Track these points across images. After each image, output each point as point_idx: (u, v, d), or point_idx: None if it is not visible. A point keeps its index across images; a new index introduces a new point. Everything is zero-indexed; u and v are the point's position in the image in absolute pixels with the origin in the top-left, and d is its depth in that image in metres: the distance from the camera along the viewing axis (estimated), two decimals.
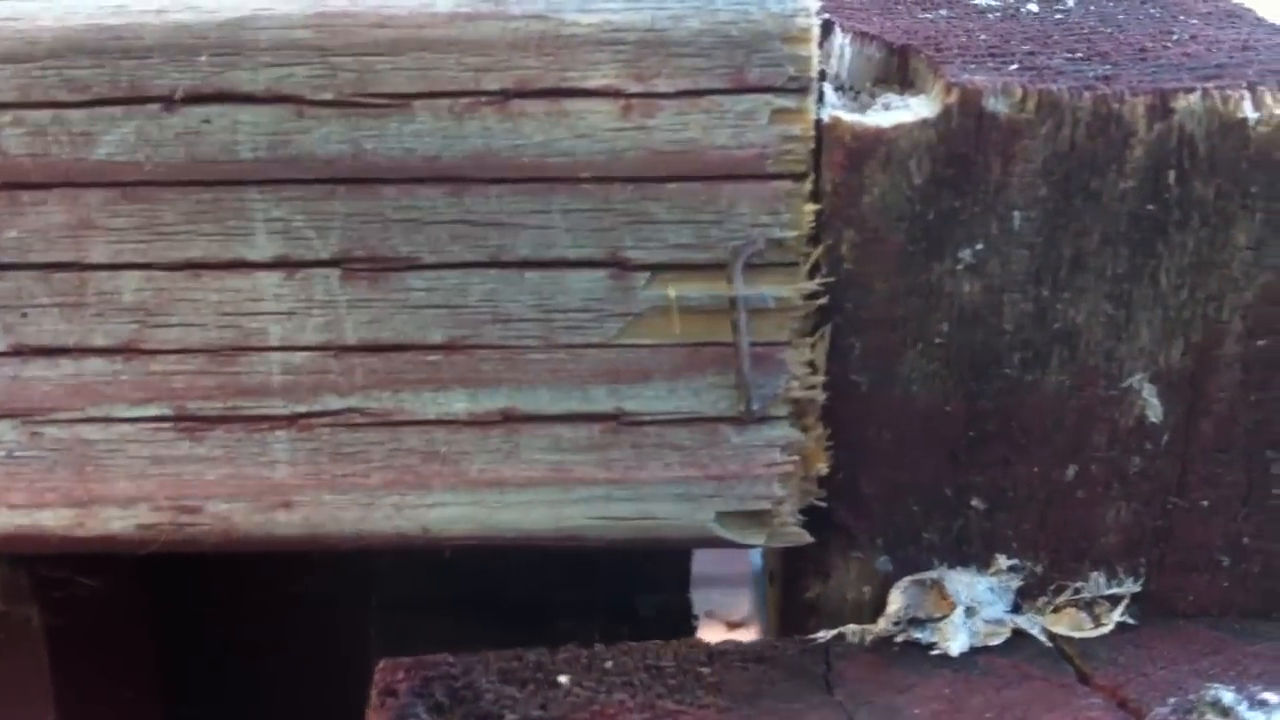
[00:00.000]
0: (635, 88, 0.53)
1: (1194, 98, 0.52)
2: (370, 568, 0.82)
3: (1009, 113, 0.52)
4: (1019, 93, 0.52)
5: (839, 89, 0.58)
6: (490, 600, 0.86)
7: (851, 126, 0.53)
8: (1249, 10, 0.66)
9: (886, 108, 0.55)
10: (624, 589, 0.88)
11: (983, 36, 0.60)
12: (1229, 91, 0.52)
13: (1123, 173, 0.53)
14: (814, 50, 0.53)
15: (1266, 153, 0.52)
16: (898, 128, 0.53)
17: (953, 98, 0.52)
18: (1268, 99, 0.52)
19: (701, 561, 0.89)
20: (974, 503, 0.57)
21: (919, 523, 0.58)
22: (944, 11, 0.65)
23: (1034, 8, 0.65)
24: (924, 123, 0.53)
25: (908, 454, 0.57)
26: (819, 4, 0.62)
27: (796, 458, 0.56)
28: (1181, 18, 0.63)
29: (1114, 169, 0.53)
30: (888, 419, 0.56)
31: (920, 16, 0.64)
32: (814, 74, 0.53)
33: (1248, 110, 0.52)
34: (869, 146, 0.53)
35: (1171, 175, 0.53)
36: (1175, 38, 0.59)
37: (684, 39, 0.52)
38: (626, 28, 0.52)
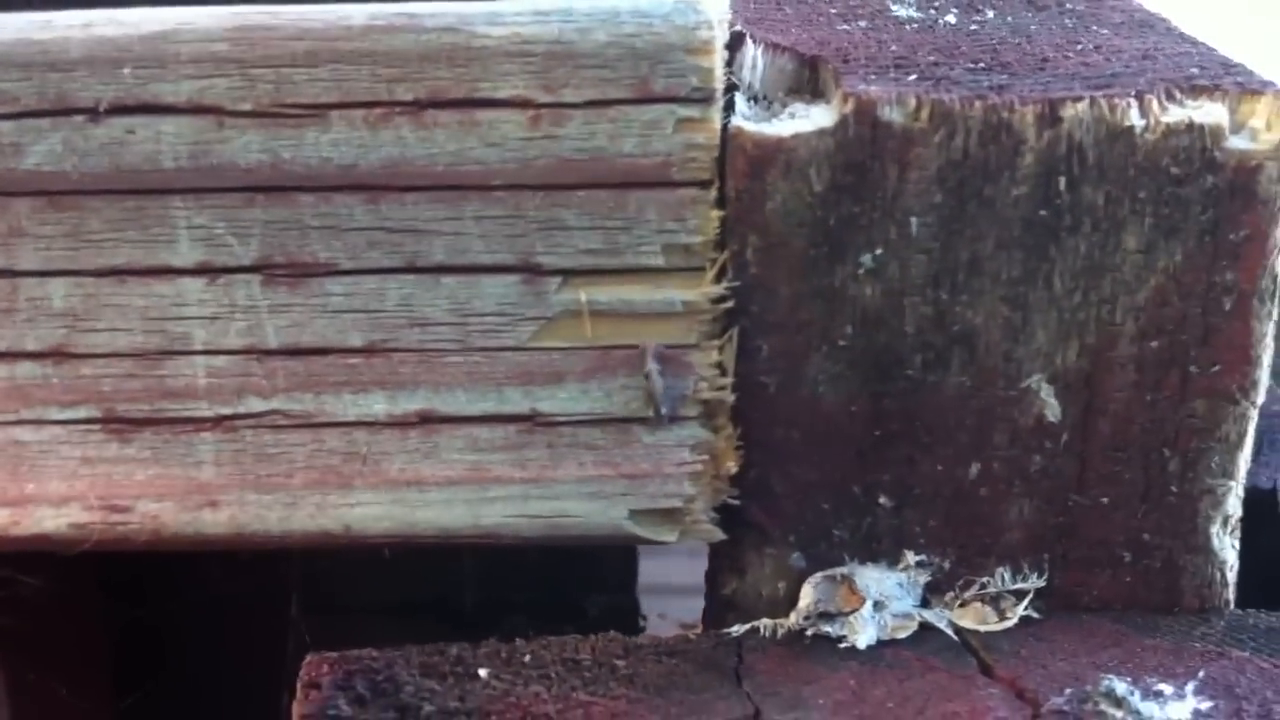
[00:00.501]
0: (544, 98, 0.54)
1: (1082, 106, 0.54)
2: (320, 571, 0.84)
3: (903, 122, 0.54)
4: (913, 102, 0.54)
5: (752, 99, 0.60)
6: (438, 603, 0.87)
7: (753, 135, 0.55)
8: (1162, 20, 0.68)
9: (793, 117, 0.57)
10: (571, 590, 0.90)
11: (893, 48, 0.61)
12: (1116, 100, 0.54)
13: (1015, 179, 0.54)
14: (717, 61, 0.55)
15: (1154, 159, 0.54)
16: (796, 136, 0.55)
17: (849, 107, 0.54)
18: (1154, 107, 0.54)
19: (665, 571, 0.91)
20: (882, 500, 0.59)
21: (829, 520, 0.60)
22: (863, 23, 0.67)
23: (952, 19, 0.67)
24: (822, 132, 0.54)
25: (816, 453, 0.59)
26: (733, 16, 0.64)
27: (706, 457, 0.57)
28: (1094, 28, 0.65)
29: (1006, 176, 0.54)
30: (796, 419, 0.58)
31: (839, 28, 0.65)
32: (718, 84, 0.55)
33: (1134, 118, 0.54)
34: (770, 155, 0.55)
35: (1062, 181, 0.54)
36: (1080, 48, 0.61)
37: (590, 51, 0.54)
38: (535, 40, 0.54)
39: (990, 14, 0.68)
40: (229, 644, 0.82)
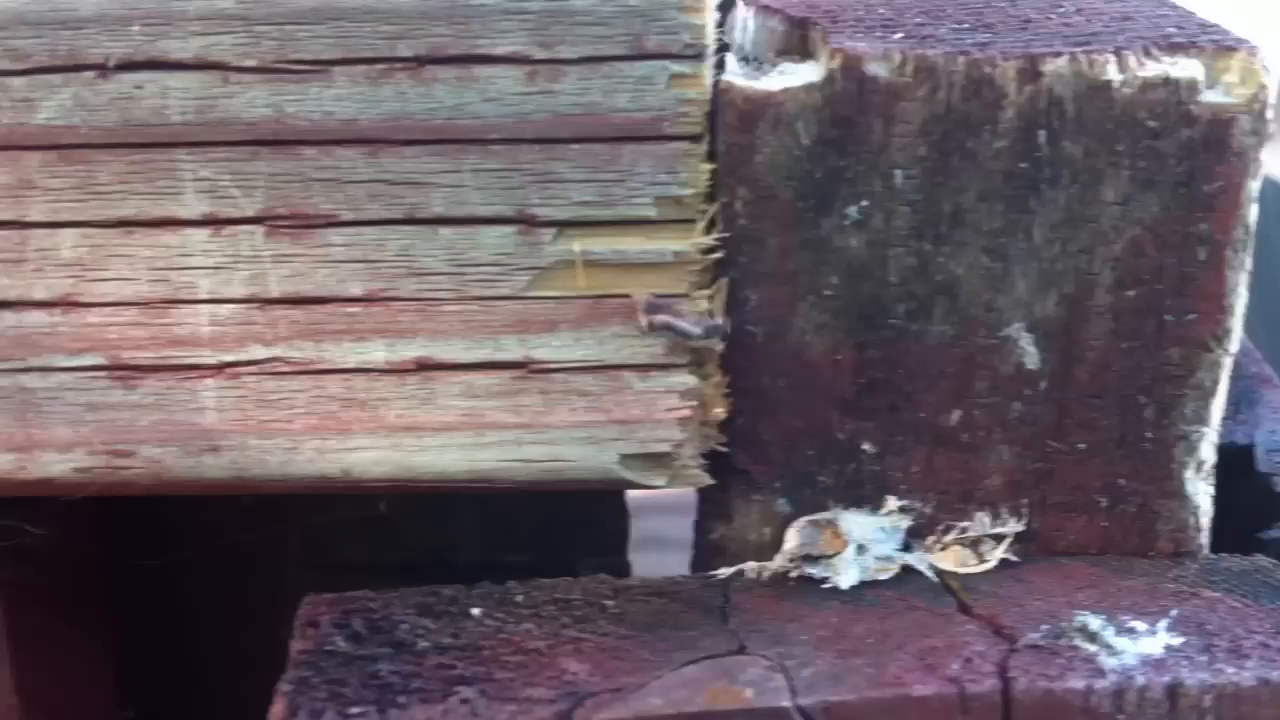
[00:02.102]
0: (540, 54, 0.56)
1: (1061, 61, 0.56)
2: (320, 531, 0.85)
3: (888, 77, 0.56)
4: (898, 58, 0.56)
5: (743, 59, 0.61)
6: (434, 564, 0.89)
7: (743, 90, 0.57)
8: None
9: (782, 74, 0.58)
10: (566, 553, 0.92)
11: (881, 11, 0.63)
12: (1095, 55, 0.56)
13: (996, 133, 0.56)
14: (709, 19, 0.56)
15: (1131, 113, 0.56)
16: (785, 91, 0.56)
17: (836, 62, 0.56)
18: (1132, 62, 0.56)
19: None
20: (865, 447, 0.61)
21: (814, 467, 0.61)
22: None
23: None
24: (809, 86, 0.56)
25: (802, 401, 0.60)
26: None
27: (695, 403, 0.59)
28: None
29: (988, 129, 0.56)
30: (783, 368, 0.60)
31: None
32: (709, 41, 0.57)
33: (1112, 73, 0.56)
34: (759, 109, 0.56)
35: (1042, 135, 0.56)
36: (1062, 10, 0.63)
37: (585, 9, 0.56)
38: None
39: None
40: (229, 594, 0.84)
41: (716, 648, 0.56)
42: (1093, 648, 0.55)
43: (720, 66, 0.60)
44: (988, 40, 0.57)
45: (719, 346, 0.59)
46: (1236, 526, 0.70)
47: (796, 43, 0.61)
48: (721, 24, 0.63)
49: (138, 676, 0.86)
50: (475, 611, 0.59)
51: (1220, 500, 0.68)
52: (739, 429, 0.61)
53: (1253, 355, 0.86)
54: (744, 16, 0.62)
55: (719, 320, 0.57)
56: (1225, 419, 0.79)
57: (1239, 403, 0.82)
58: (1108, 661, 0.55)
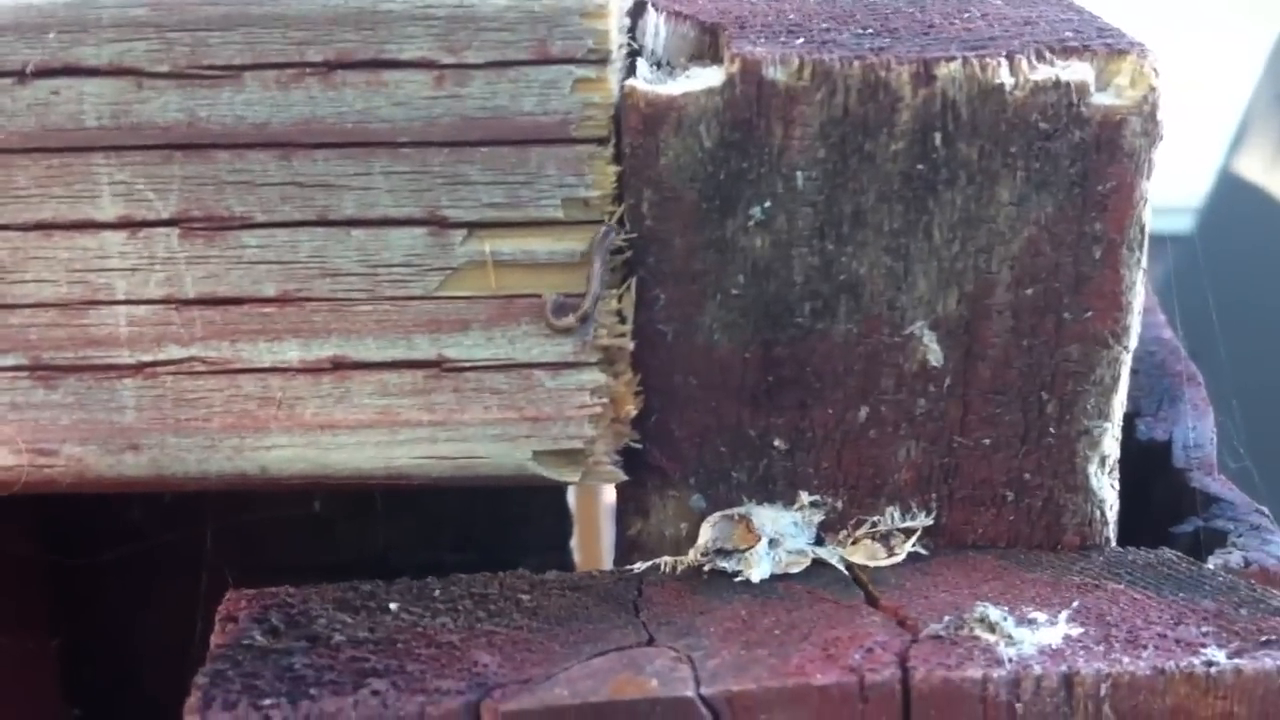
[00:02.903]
0: (448, 59, 0.57)
1: (955, 65, 0.57)
2: (245, 529, 0.86)
3: (786, 80, 0.57)
4: (796, 62, 0.57)
5: (655, 64, 0.63)
6: (371, 565, 0.90)
7: (645, 94, 0.58)
8: None
9: (688, 78, 0.60)
10: (507, 552, 0.93)
11: (791, 16, 0.64)
12: (988, 59, 0.57)
13: (893, 135, 0.58)
14: (612, 25, 0.58)
15: (1023, 115, 0.57)
16: (686, 95, 0.58)
17: (735, 67, 0.57)
18: (1023, 65, 0.57)
19: None
20: (776, 444, 0.62)
21: (727, 463, 0.63)
22: None
23: None
24: (710, 90, 0.57)
25: (713, 398, 0.62)
26: None
27: (606, 400, 0.60)
28: None
29: (885, 132, 0.57)
30: (693, 366, 0.61)
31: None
32: (613, 46, 0.58)
33: (1004, 76, 0.57)
34: (661, 113, 0.58)
35: (938, 137, 0.57)
36: (967, 16, 0.64)
37: (491, 14, 0.57)
38: (438, 4, 0.57)
39: None
40: (165, 594, 0.85)
41: (626, 640, 0.57)
42: (992, 638, 0.57)
43: (632, 71, 0.61)
44: (886, 45, 0.59)
45: (629, 345, 0.60)
46: (1155, 520, 0.71)
47: (708, 48, 0.63)
48: (633, 30, 0.64)
49: (81, 676, 0.87)
50: (393, 606, 0.60)
51: (1139, 495, 0.70)
52: (652, 426, 0.62)
53: (1177, 353, 0.88)
54: (655, 22, 0.63)
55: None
56: (1147, 416, 0.81)
57: (1161, 400, 0.83)
58: (1005, 651, 0.56)
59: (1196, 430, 0.78)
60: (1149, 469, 0.76)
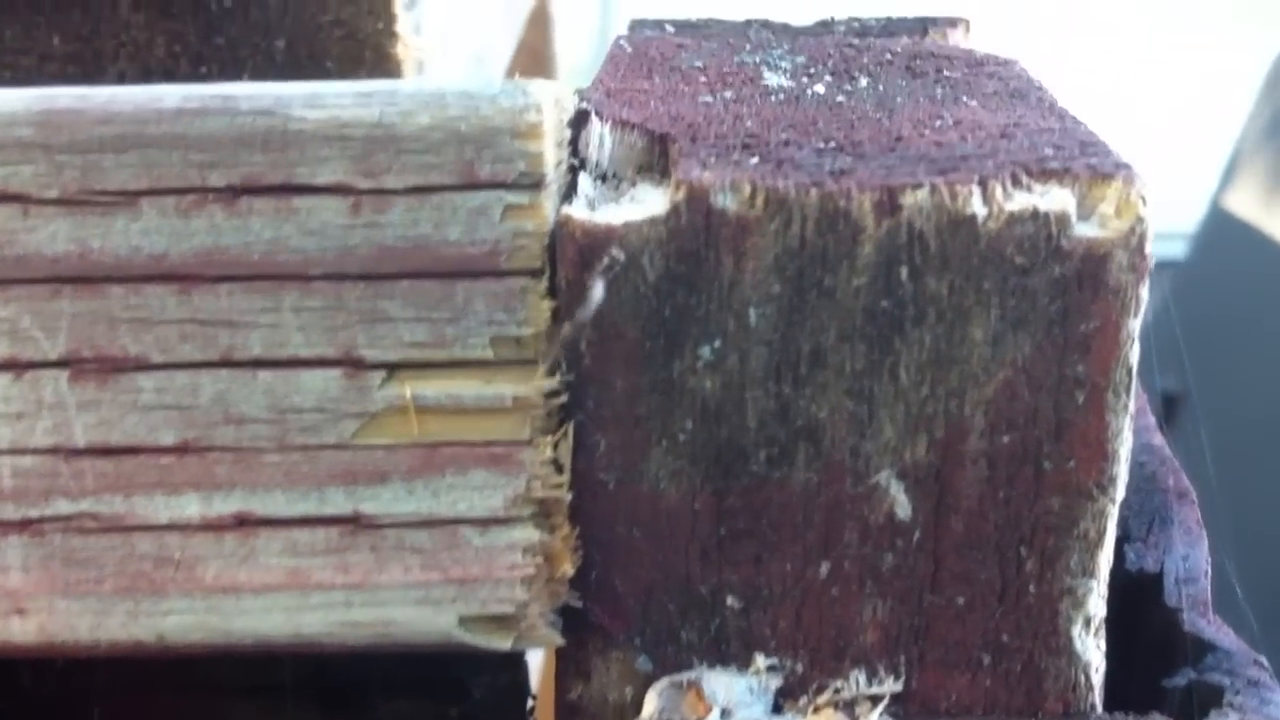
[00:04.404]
0: (365, 184, 0.52)
1: (921, 194, 0.52)
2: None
3: (737, 209, 0.52)
4: (747, 189, 0.52)
5: (600, 178, 0.58)
6: (310, 681, 0.84)
7: (581, 224, 0.52)
8: (1037, 90, 0.66)
9: (631, 200, 0.55)
10: (456, 669, 0.86)
11: (749, 124, 0.59)
12: (958, 187, 0.52)
13: (855, 269, 0.52)
14: (547, 146, 0.52)
15: (997, 249, 0.52)
16: (627, 225, 0.52)
17: (681, 194, 0.52)
18: (998, 194, 0.52)
19: None
20: (729, 601, 0.57)
21: (676, 622, 0.57)
22: (729, 94, 0.65)
23: (821, 89, 0.65)
24: (654, 220, 0.52)
25: (659, 552, 0.56)
26: (593, 87, 0.62)
27: (541, 559, 0.55)
28: (963, 99, 0.63)
29: (845, 265, 0.52)
30: (637, 517, 0.56)
31: (700, 100, 0.63)
32: (548, 170, 0.53)
33: (976, 206, 0.52)
34: (600, 244, 0.52)
35: (904, 272, 0.52)
36: (939, 124, 0.59)
37: (413, 135, 0.52)
38: (354, 124, 0.52)
39: (863, 82, 0.67)
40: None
41: None
42: None
43: (574, 187, 0.56)
44: (848, 166, 0.53)
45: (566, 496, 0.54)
46: (1144, 664, 0.66)
47: (658, 158, 0.58)
48: (575, 141, 0.59)
49: None
50: None
51: (1127, 633, 0.64)
52: (593, 582, 0.56)
53: (1170, 465, 0.82)
54: (600, 132, 0.58)
55: None
56: (1136, 541, 0.75)
57: (1151, 521, 0.78)
58: None
59: (1189, 560, 0.73)
60: (1139, 604, 0.70)
